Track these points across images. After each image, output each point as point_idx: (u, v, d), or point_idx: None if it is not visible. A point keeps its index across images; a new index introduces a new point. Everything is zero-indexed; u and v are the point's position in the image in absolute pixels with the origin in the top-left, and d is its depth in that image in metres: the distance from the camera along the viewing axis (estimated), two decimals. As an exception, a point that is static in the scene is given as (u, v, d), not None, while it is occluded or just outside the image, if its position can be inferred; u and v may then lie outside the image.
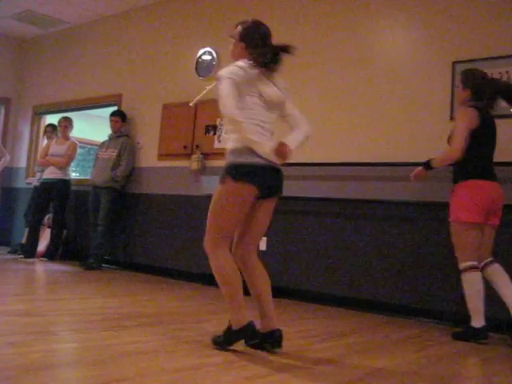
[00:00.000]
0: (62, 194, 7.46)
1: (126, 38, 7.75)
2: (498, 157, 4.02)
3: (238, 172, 2.91)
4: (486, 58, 4.60)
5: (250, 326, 2.91)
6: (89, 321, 3.56)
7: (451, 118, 4.69)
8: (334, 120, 5.46)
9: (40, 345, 2.79)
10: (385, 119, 5.15)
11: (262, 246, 5.58)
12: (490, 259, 3.93)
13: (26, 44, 9.41)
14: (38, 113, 9.05)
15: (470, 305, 3.79)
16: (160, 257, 6.73)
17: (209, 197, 3.15)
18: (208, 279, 5.23)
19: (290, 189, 5.59)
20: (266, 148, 2.92)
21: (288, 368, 2.71)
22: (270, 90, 3.05)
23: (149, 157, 7.13)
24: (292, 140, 3.03)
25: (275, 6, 6.07)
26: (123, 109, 7.46)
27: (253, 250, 3.08)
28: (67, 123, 7.67)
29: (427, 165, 4.07)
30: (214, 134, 6.36)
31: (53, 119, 8.45)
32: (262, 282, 3.06)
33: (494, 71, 4.17)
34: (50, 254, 7.38)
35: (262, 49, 3.03)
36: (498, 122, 4.02)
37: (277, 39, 3.16)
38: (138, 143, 7.25)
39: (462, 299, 3.91)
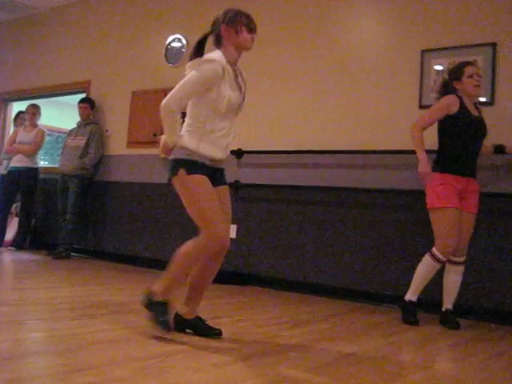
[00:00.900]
0: (29, 182, 7.36)
1: (94, 24, 7.62)
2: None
3: None
4: (455, 47, 4.65)
5: (169, 304, 2.98)
6: (57, 309, 3.53)
7: (420, 107, 4.74)
8: (305, 108, 5.46)
9: (7, 334, 2.75)
10: (355, 107, 5.16)
11: (232, 233, 5.59)
12: (462, 259, 4.01)
13: (-8, 29, 9.21)
14: (5, 100, 8.87)
15: (415, 280, 3.99)
16: (130, 245, 6.69)
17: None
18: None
19: (259, 177, 5.62)
20: None
21: (258, 354, 2.72)
22: None
23: (118, 144, 7.05)
24: None
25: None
26: (92, 96, 7.37)
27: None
28: (35, 110, 7.54)
29: None
30: (184, 121, 6.31)
31: (20, 106, 8.30)
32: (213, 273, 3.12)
33: (462, 60, 4.21)
34: (18, 244, 7.30)
35: None
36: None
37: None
38: (107, 131, 7.17)
39: (433, 286, 3.99)
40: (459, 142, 3.93)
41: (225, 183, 3.14)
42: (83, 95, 7.44)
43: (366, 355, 2.89)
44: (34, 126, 7.55)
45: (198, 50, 2.95)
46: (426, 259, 3.92)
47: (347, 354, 2.87)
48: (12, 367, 2.18)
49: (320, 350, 2.95)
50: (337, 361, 2.72)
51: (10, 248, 7.21)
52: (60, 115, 10.00)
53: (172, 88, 2.95)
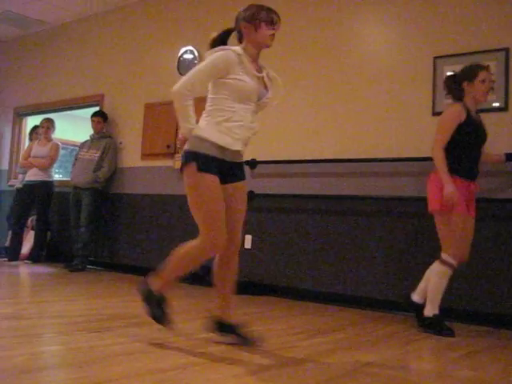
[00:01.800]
0: (44, 195, 7.41)
1: (107, 38, 7.69)
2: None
3: None
4: (467, 53, 4.63)
5: (165, 298, 3.11)
6: (73, 323, 3.53)
7: (433, 114, 4.71)
8: (319, 117, 5.46)
9: (24, 348, 2.75)
10: (367, 115, 5.15)
11: (247, 243, 5.58)
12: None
13: (6, 45, 9.30)
14: (20, 114, 8.96)
15: (430, 294, 3.87)
16: (144, 257, 6.70)
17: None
18: (195, 279, 5.20)
19: (273, 187, 5.61)
20: None
21: (276, 365, 2.70)
22: None
23: (132, 157, 7.09)
24: None
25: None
26: (105, 109, 7.42)
27: None
28: (49, 124, 7.61)
29: None
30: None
31: (35, 121, 8.38)
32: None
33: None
34: (34, 257, 7.33)
35: None
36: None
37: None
38: (121, 143, 7.21)
39: (447, 292, 3.94)
40: (464, 147, 3.89)
41: (243, 178, 3.08)
42: (96, 108, 7.49)
43: (385, 364, 2.87)
44: (49, 139, 7.61)
45: (219, 44, 2.99)
46: (438, 268, 3.85)
47: (365, 364, 2.85)
48: (30, 381, 2.17)
49: (338, 359, 2.92)
50: (355, 370, 2.70)
51: (26, 261, 7.25)
52: (73, 128, 10.06)
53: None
